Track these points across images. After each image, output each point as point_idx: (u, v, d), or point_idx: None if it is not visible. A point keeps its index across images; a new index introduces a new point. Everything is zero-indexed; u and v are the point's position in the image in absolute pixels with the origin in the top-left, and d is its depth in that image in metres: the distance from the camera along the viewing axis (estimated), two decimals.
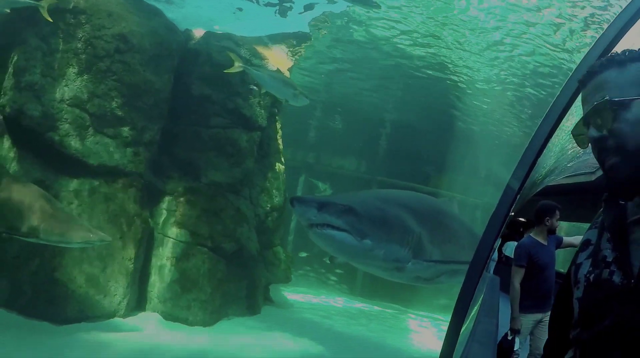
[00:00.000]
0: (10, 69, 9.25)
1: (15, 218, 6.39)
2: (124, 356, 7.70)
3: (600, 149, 1.61)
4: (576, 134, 1.73)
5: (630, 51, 1.64)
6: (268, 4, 9.42)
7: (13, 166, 9.14)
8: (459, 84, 14.28)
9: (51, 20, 8.27)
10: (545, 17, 9.94)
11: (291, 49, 11.20)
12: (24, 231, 6.33)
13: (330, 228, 4.11)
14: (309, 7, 9.78)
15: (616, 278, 1.57)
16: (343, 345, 10.03)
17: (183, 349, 8.36)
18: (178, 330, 9.05)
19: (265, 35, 10.97)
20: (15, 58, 9.18)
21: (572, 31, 10.05)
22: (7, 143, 9.34)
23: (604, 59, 1.68)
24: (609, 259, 1.63)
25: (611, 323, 1.54)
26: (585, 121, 1.65)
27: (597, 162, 1.65)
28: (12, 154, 9.21)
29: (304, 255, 16.47)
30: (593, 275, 1.65)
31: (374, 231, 4.17)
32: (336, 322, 12.08)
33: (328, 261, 17.72)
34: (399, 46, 12.50)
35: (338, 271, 17.57)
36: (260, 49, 10.75)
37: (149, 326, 8.97)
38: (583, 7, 9.12)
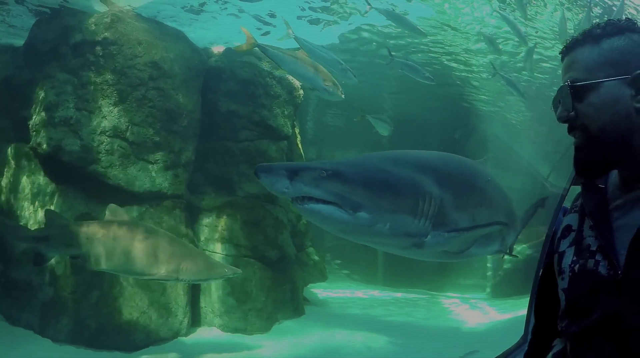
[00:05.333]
0: (39, 105, 9.23)
1: (152, 262, 6.61)
2: None
3: (569, 128, 1.67)
4: (554, 109, 1.72)
5: (609, 24, 1.63)
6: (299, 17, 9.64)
7: (55, 202, 9.21)
8: (467, 75, 14.62)
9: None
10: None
11: None
12: (163, 274, 6.55)
13: (313, 202, 3.23)
14: (347, 22, 10.07)
15: (602, 269, 1.54)
16: (399, 333, 10.42)
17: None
18: (241, 340, 9.35)
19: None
20: (43, 93, 9.16)
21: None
22: (44, 179, 9.40)
23: (580, 34, 1.66)
24: (593, 248, 1.59)
25: (600, 316, 1.52)
26: (555, 100, 1.69)
27: None
28: (51, 190, 9.28)
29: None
30: (578, 265, 1.63)
31: (370, 200, 3.26)
32: (378, 312, 12.55)
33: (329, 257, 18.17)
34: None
35: (337, 261, 18.15)
36: None
37: (212, 340, 9.27)
38: None
